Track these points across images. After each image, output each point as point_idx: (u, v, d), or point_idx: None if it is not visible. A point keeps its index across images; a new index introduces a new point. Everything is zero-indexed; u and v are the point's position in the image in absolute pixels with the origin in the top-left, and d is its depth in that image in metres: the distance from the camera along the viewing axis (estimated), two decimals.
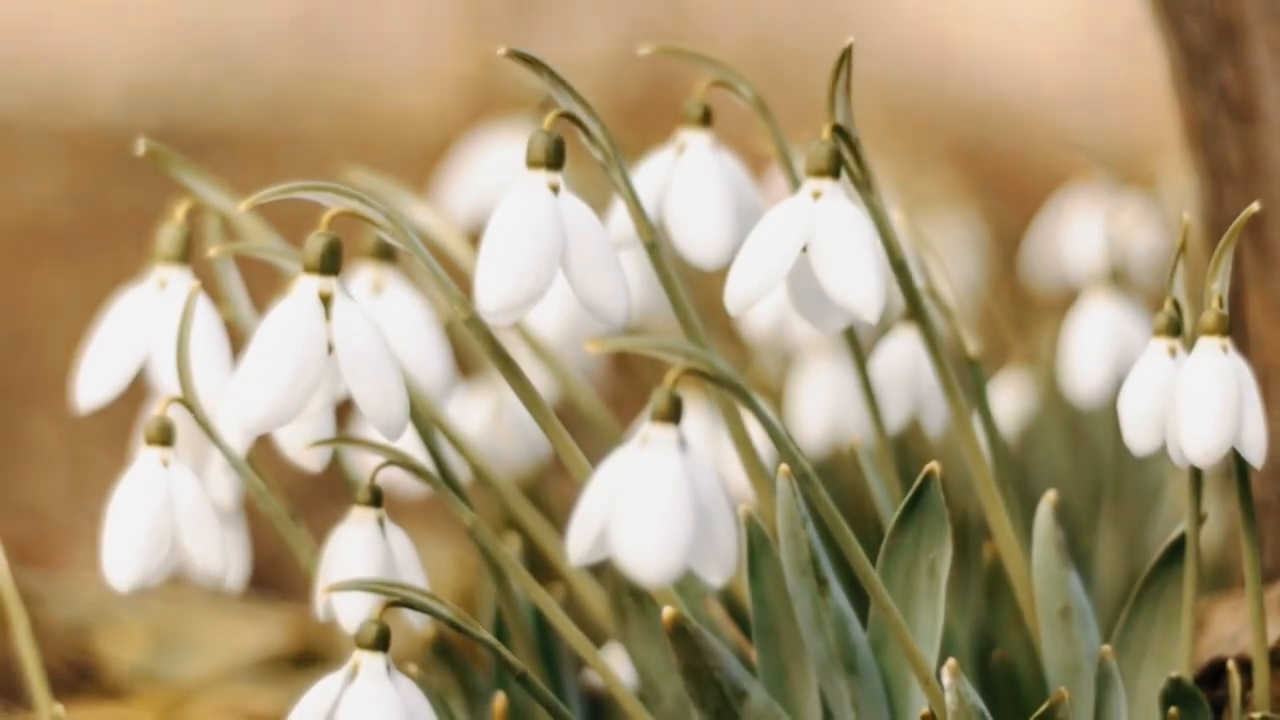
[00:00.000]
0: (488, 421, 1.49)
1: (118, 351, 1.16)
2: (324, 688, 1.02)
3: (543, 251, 1.03)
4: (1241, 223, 1.06)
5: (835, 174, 1.07)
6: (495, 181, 1.63)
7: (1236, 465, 1.08)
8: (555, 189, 1.05)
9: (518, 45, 1.08)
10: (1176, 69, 1.30)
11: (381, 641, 1.03)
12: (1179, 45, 1.29)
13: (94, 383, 1.16)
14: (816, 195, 1.07)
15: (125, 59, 3.91)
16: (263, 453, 1.19)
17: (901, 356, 1.29)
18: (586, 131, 1.07)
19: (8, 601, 1.15)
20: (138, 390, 1.23)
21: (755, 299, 1.06)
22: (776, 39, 3.56)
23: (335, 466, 1.19)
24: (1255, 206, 1.09)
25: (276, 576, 1.80)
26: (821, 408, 1.46)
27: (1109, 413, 1.55)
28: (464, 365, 1.35)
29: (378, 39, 3.94)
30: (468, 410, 1.47)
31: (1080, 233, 1.79)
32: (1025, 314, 1.87)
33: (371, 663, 1.03)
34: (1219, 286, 1.06)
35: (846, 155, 1.08)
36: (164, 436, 1.10)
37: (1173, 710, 1.09)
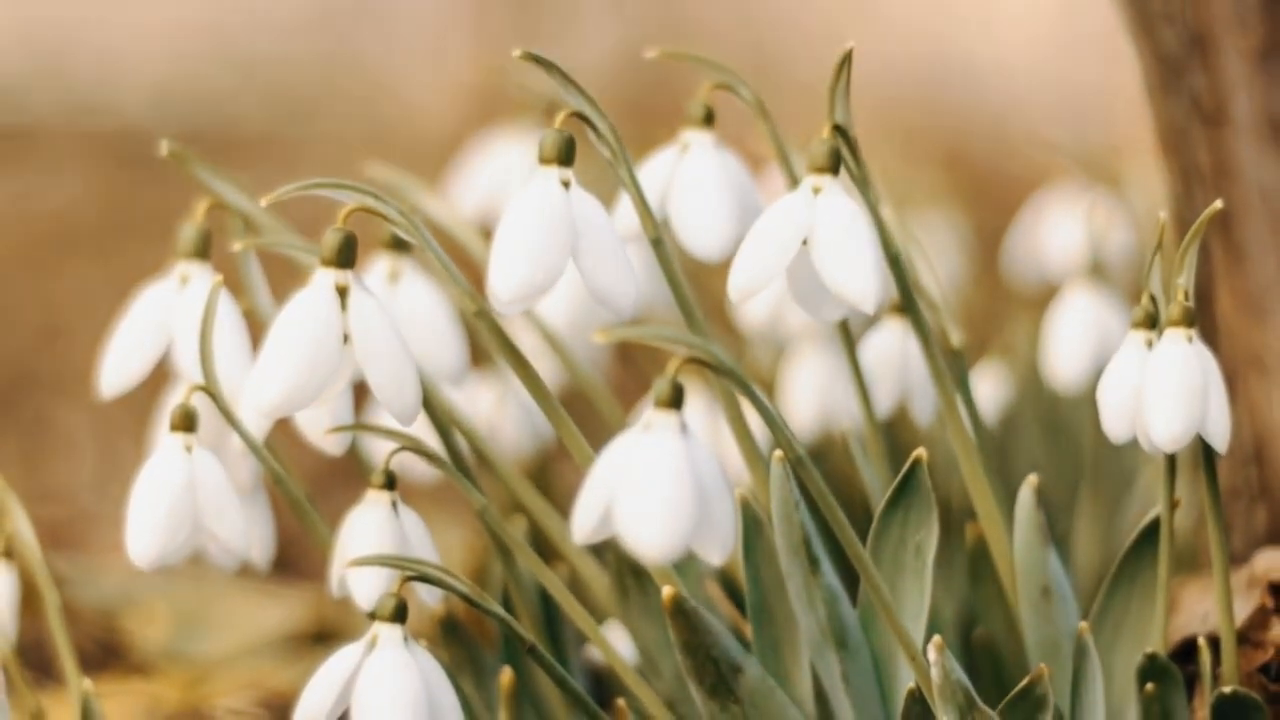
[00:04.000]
0: (493, 408, 1.49)
1: (140, 342, 1.16)
2: (344, 656, 1.02)
3: (554, 244, 1.03)
4: (1205, 220, 1.06)
5: (835, 171, 1.07)
6: (500, 181, 1.63)
7: (1204, 452, 1.08)
8: (566, 184, 1.05)
9: (518, 58, 1.07)
10: (1150, 75, 1.30)
11: (400, 614, 1.03)
12: (1152, 53, 1.29)
13: (117, 371, 1.16)
14: (817, 191, 1.07)
15: (151, 66, 3.91)
16: (280, 439, 1.19)
17: (890, 346, 1.29)
18: (595, 129, 1.07)
19: (39, 583, 1.15)
20: (162, 381, 1.22)
21: (757, 289, 1.06)
22: (771, 46, 3.56)
23: (350, 453, 1.18)
24: (1218, 204, 1.09)
25: (294, 558, 1.80)
26: (813, 395, 1.46)
27: (1085, 401, 1.55)
28: (470, 354, 1.35)
29: (390, 48, 3.95)
30: (474, 398, 1.47)
31: (1058, 231, 1.79)
32: (1004, 308, 1.87)
33: (390, 634, 1.03)
34: (1184, 281, 1.06)
35: (845, 153, 1.08)
36: (187, 423, 1.10)
37: (1149, 686, 1.09)
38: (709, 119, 1.17)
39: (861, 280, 1.05)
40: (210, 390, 1.09)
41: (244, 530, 1.10)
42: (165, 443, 1.10)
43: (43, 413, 2.49)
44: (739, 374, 0.98)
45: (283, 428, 1.17)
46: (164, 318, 1.16)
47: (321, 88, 3.89)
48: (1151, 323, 1.08)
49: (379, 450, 1.22)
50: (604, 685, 1.29)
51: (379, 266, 1.27)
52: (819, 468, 1.05)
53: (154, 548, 1.09)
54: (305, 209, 1.14)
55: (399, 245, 1.27)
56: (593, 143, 1.08)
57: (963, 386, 1.19)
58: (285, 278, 1.16)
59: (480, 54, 3.63)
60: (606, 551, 1.16)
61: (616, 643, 1.19)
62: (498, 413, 1.49)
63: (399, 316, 1.25)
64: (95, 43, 3.98)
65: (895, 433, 1.39)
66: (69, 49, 3.97)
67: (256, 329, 1.14)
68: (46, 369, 2.65)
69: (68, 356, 2.61)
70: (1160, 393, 1.05)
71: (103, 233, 3.19)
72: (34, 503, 2.13)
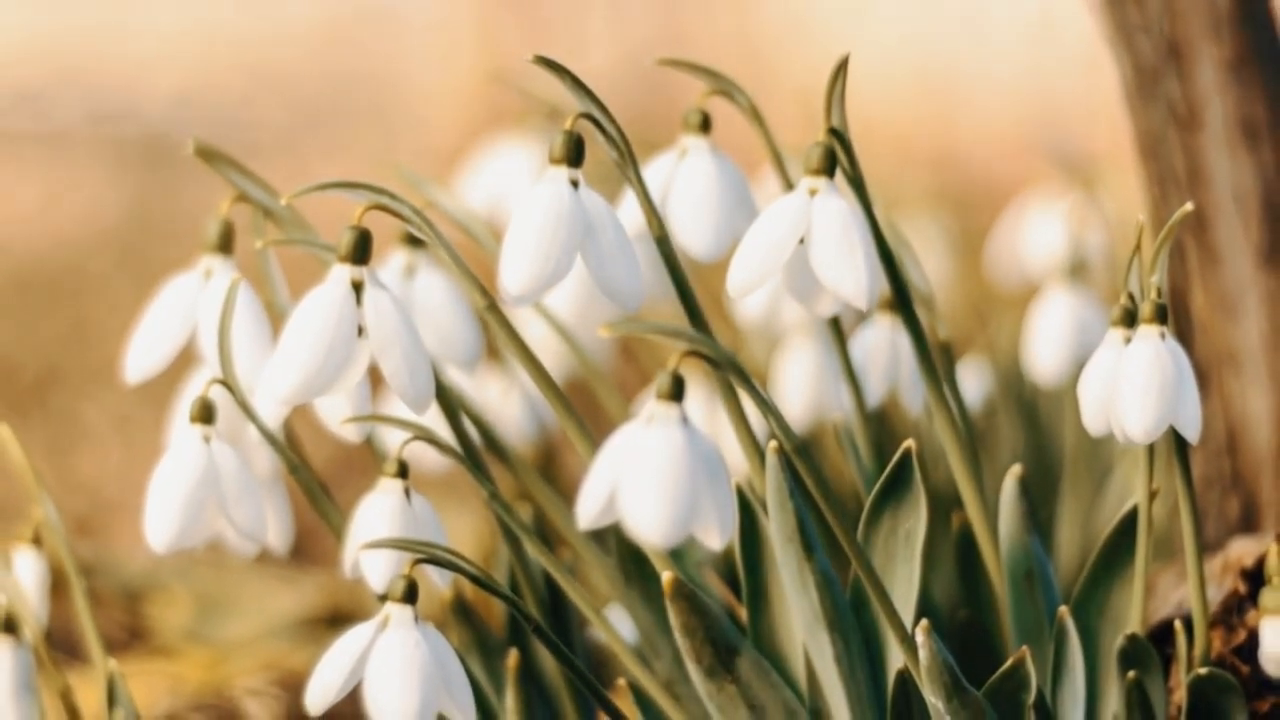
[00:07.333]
0: (499, 400, 1.49)
1: (164, 332, 1.16)
2: (357, 635, 1.02)
3: (562, 241, 1.03)
4: (1177, 222, 1.06)
5: (830, 173, 1.07)
6: (503, 184, 1.64)
7: (1177, 443, 1.08)
8: (575, 184, 1.05)
9: (529, 62, 1.07)
10: (1128, 84, 1.30)
11: (410, 595, 1.02)
12: (1130, 62, 1.29)
13: (141, 359, 1.16)
14: (813, 192, 1.07)
15: (173, 74, 3.91)
16: (297, 430, 1.19)
17: (880, 341, 1.29)
18: (604, 131, 1.07)
19: (67, 569, 1.15)
20: (184, 375, 1.22)
21: (755, 286, 1.06)
22: (766, 54, 3.56)
23: (365, 444, 1.18)
24: (1189, 206, 1.09)
25: (309, 546, 1.80)
26: (806, 387, 1.46)
27: (1065, 395, 1.55)
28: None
29: (400, 57, 3.94)
30: (480, 389, 1.47)
31: (1038, 233, 1.79)
32: (987, 306, 1.87)
33: (401, 614, 1.03)
34: (1157, 280, 1.06)
35: (840, 156, 1.08)
36: (205, 415, 1.10)
37: (1131, 673, 1.09)
38: (706, 125, 1.17)
39: (856, 278, 1.05)
40: (228, 383, 1.09)
41: (262, 518, 1.10)
42: (183, 433, 1.10)
43: (70, 407, 2.49)
44: (738, 366, 0.98)
45: (300, 420, 1.17)
46: (188, 309, 1.16)
47: (336, 95, 3.89)
48: (1130, 321, 1.07)
49: (393, 440, 1.22)
50: (605, 666, 1.29)
51: (396, 261, 1.27)
52: (812, 457, 1.05)
53: (170, 534, 1.09)
54: (322, 209, 1.14)
55: (414, 241, 1.27)
56: (600, 144, 1.08)
57: (950, 380, 1.19)
58: (305, 274, 1.16)
59: (486, 63, 3.63)
60: (609, 537, 1.16)
61: (618, 625, 1.19)
62: (504, 404, 1.49)
63: (415, 309, 1.26)
64: (119, 52, 3.98)
65: (883, 424, 1.39)
66: (94, 58, 3.97)
67: (276, 322, 1.14)
68: (73, 365, 2.65)
69: (93, 353, 2.61)
70: (1133, 387, 1.05)
71: (127, 234, 3.19)
72: (62, 493, 2.13)
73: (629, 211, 1.15)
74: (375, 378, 1.07)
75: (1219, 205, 1.26)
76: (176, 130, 3.50)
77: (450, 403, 1.15)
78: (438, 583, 1.09)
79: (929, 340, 1.15)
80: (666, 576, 1.07)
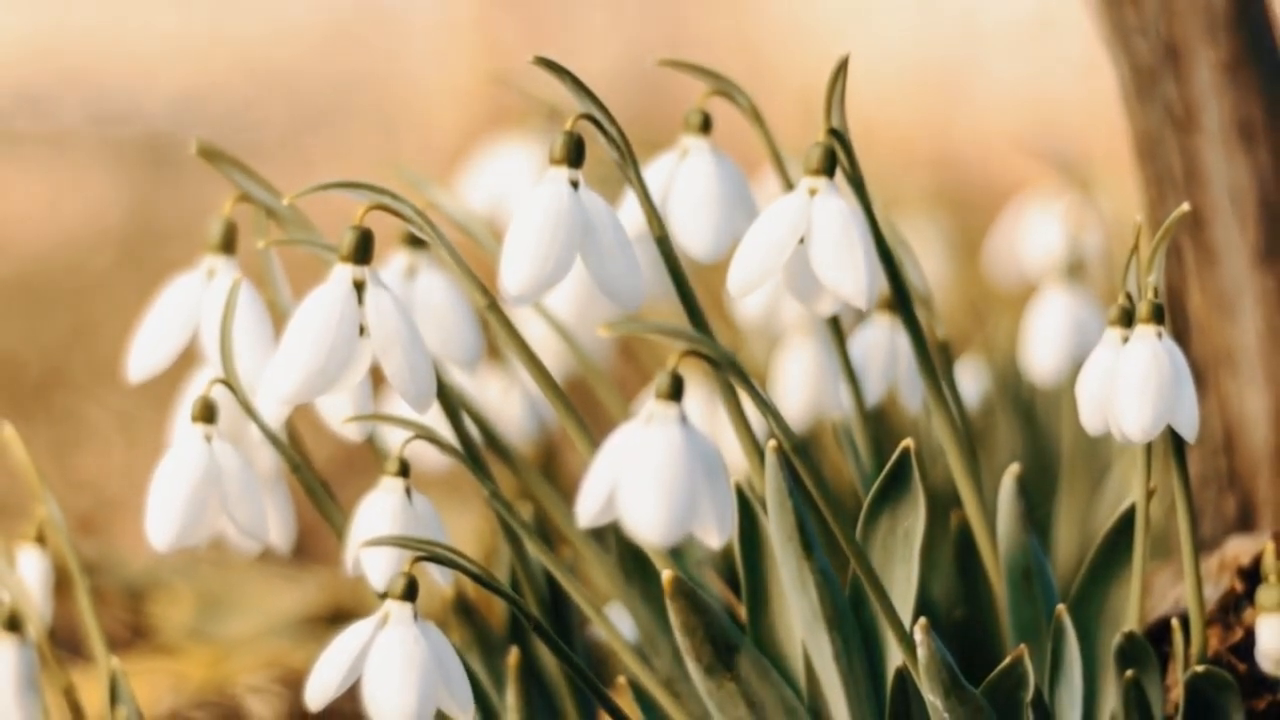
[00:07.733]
0: (500, 399, 1.49)
1: (167, 330, 1.16)
2: (357, 631, 1.03)
3: (563, 241, 1.03)
4: (1174, 222, 1.06)
5: (830, 173, 1.07)
6: (503, 185, 1.64)
7: (1174, 442, 1.08)
8: (575, 184, 1.05)
9: (529, 62, 1.07)
10: (1125, 85, 1.30)
11: (410, 592, 1.03)
12: (1128, 63, 1.29)
13: (144, 357, 1.16)
14: (813, 192, 1.07)
15: (176, 75, 3.91)
16: (298, 430, 1.19)
17: (879, 340, 1.29)
18: (604, 132, 1.07)
19: (70, 568, 1.15)
20: (188, 375, 1.22)
21: (755, 285, 1.06)
22: (765, 55, 3.56)
23: (366, 443, 1.18)
24: (1185, 207, 1.09)
25: (311, 544, 1.80)
26: (805, 386, 1.46)
27: (1062, 394, 1.55)
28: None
29: (401, 57, 3.95)
30: (480, 388, 1.47)
31: (1036, 233, 1.79)
32: (985, 305, 1.87)
33: (401, 611, 1.03)
34: (1155, 279, 1.06)
35: (840, 156, 1.08)
36: (207, 414, 1.10)
37: (1129, 672, 1.09)
38: (706, 125, 1.17)
39: (856, 278, 1.05)
40: (230, 382, 1.09)
41: (263, 516, 1.10)
42: (185, 432, 1.10)
43: (72, 406, 2.49)
44: (738, 366, 0.98)
45: (301, 419, 1.17)
46: (191, 308, 1.16)
47: (337, 96, 3.89)
48: (1127, 320, 1.08)
49: (394, 439, 1.22)
50: (606, 664, 1.29)
51: (397, 261, 1.28)
52: (811, 457, 1.05)
53: (172, 532, 1.09)
54: (324, 209, 1.14)
55: (415, 241, 1.27)
56: (601, 145, 1.08)
57: (948, 380, 1.19)
58: (307, 274, 1.16)
59: (486, 63, 3.63)
60: (609, 536, 1.16)
61: (618, 623, 1.19)
62: (505, 403, 1.49)
63: (416, 308, 1.26)
64: (121, 52, 3.98)
65: (882, 423, 1.39)
66: (96, 58, 3.97)
67: (278, 322, 1.14)
68: (76, 364, 2.65)
69: (96, 352, 2.61)
70: (1130, 386, 1.05)
71: (129, 234, 3.19)
72: (65, 492, 2.13)
73: (629, 212, 1.15)
74: (377, 377, 1.07)
75: (1216, 206, 1.26)
76: (179, 130, 3.50)
77: (451, 402, 1.16)
78: (439, 581, 1.09)
79: (927, 340, 1.15)
80: (666, 575, 1.07)
